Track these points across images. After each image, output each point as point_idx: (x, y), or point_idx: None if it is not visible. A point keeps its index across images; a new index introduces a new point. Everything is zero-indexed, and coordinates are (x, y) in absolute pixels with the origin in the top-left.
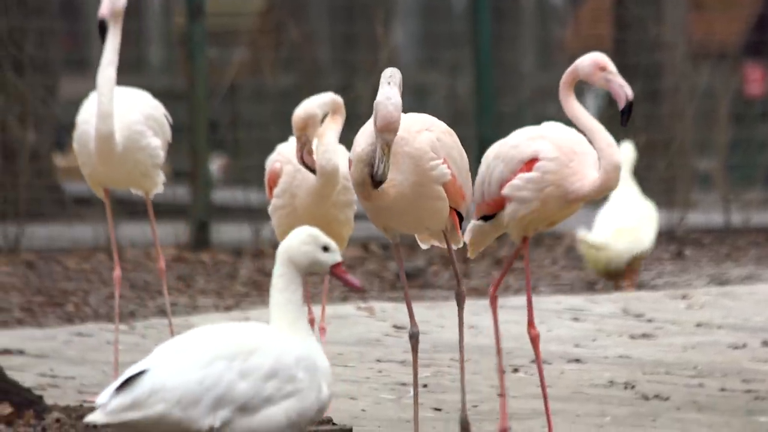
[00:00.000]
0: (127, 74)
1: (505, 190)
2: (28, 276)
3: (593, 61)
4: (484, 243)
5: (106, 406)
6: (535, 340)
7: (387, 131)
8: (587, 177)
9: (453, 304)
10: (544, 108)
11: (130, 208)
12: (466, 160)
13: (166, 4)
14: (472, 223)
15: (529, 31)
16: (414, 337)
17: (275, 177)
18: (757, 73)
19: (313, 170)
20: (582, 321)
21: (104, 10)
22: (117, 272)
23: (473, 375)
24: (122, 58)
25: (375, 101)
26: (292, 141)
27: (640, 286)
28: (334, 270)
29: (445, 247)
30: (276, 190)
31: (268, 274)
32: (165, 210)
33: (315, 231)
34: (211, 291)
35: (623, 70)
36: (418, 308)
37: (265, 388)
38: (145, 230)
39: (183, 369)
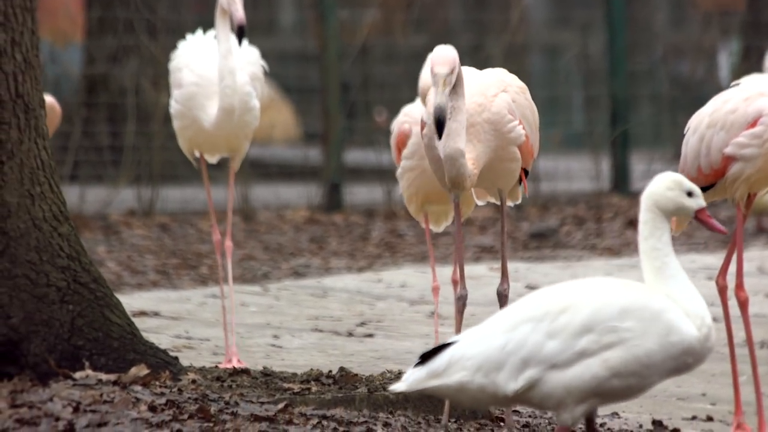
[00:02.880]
0: (259, 36)
1: (729, 149)
2: (162, 238)
3: None
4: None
5: (407, 379)
6: (744, 304)
7: (438, 64)
8: None
9: (587, 264)
10: (677, 66)
11: (263, 170)
12: (537, 115)
13: None
14: None
15: None
16: (461, 300)
17: (405, 138)
18: None
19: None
20: None
21: (242, 13)
22: (216, 236)
23: None
24: (254, 20)
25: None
26: (419, 102)
27: None
28: (698, 215)
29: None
30: (405, 152)
31: (400, 236)
32: (297, 172)
33: (679, 176)
34: (344, 252)
35: (758, 28)
36: (552, 268)
37: (578, 344)
38: (278, 192)
39: (485, 336)
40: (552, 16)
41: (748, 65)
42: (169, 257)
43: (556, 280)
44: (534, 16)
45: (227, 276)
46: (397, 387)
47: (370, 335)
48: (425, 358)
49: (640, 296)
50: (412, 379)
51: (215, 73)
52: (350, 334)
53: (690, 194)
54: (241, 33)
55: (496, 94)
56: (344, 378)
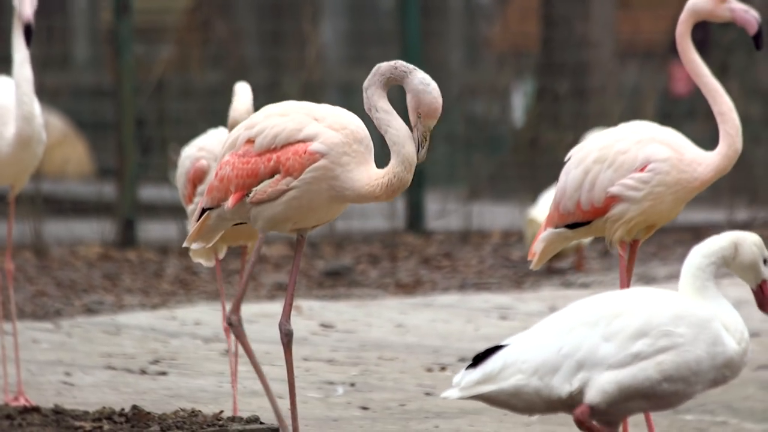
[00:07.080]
0: (54, 71)
1: (615, 189)
2: None
3: None
4: (555, 252)
5: (459, 383)
6: None
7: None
8: (705, 161)
9: (381, 303)
10: (472, 105)
11: (56, 205)
12: None
13: (92, 0)
14: (549, 232)
15: (457, 29)
16: (288, 335)
17: (201, 175)
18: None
19: None
20: (510, 319)
21: (29, 12)
22: (9, 265)
23: (401, 374)
24: (48, 54)
25: (423, 88)
26: (212, 134)
27: (567, 285)
28: (762, 286)
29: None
30: (201, 188)
31: (194, 273)
32: (91, 207)
33: (760, 241)
34: (138, 289)
35: (550, 68)
36: (346, 307)
37: (633, 347)
38: (71, 228)
39: (540, 340)
40: (348, 53)
41: (542, 106)
42: None
43: (350, 318)
44: (330, 53)
45: (10, 303)
46: (450, 394)
47: (164, 373)
48: (477, 361)
49: (690, 304)
50: (465, 382)
51: (9, 101)
52: (143, 372)
53: (766, 261)
54: (28, 32)
55: None
56: (137, 416)
